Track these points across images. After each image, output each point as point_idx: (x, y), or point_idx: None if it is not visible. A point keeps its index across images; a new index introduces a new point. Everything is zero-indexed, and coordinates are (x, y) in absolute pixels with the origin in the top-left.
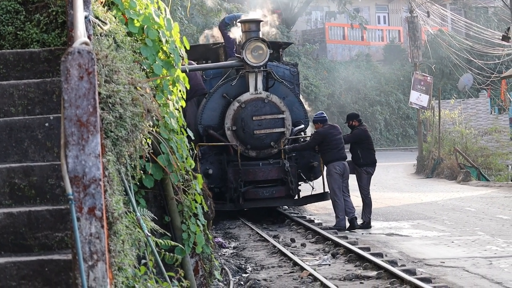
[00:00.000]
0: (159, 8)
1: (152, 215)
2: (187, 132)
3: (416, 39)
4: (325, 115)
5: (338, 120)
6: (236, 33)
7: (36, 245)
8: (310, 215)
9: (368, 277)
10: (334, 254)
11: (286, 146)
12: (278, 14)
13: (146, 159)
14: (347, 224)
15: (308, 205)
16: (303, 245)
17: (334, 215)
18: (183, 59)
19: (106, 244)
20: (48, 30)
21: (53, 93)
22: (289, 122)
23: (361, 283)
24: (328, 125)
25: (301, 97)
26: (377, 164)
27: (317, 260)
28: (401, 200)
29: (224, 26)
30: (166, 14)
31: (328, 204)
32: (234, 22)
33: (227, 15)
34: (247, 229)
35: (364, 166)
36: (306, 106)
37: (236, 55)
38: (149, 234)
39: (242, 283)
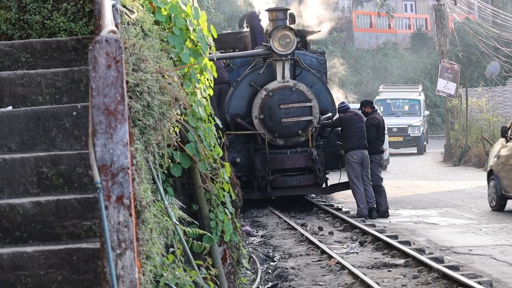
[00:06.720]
0: None
1: (180, 204)
2: (214, 121)
3: (443, 27)
4: (347, 103)
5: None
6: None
7: (64, 234)
8: (337, 203)
9: (396, 265)
10: (361, 242)
11: (322, 122)
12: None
13: (174, 148)
14: None
15: (336, 193)
16: (331, 233)
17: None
18: (210, 48)
19: (134, 232)
20: (75, 19)
21: (81, 82)
22: (317, 110)
23: (389, 271)
24: (351, 112)
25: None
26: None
27: (345, 248)
28: (429, 188)
29: (252, 17)
30: (193, 3)
31: None
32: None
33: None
34: (274, 218)
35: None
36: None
37: (263, 43)
38: (177, 223)
39: (270, 271)
